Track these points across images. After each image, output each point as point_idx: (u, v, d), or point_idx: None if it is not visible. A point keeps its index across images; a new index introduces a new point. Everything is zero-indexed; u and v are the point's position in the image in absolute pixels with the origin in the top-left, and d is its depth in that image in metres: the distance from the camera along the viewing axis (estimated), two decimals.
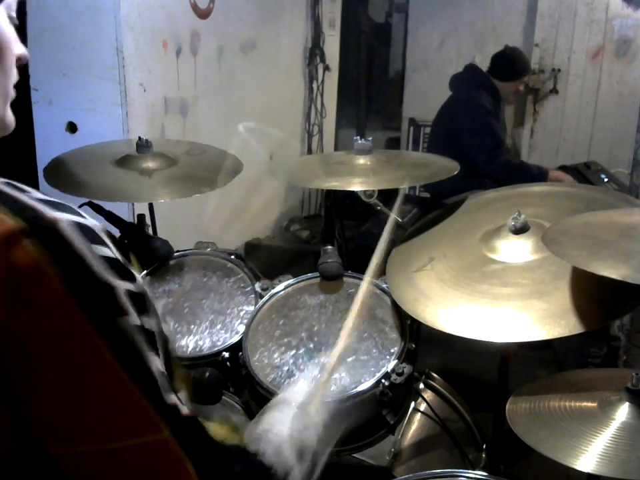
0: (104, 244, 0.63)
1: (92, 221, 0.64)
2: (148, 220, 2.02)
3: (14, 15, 0.75)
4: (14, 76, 0.75)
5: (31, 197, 0.63)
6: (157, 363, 0.65)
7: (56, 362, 0.60)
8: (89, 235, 0.62)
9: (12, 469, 0.64)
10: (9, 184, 0.65)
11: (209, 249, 1.91)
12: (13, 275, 0.58)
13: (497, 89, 3.47)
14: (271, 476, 0.79)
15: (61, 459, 0.62)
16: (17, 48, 0.74)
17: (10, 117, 0.75)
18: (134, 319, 0.63)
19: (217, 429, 0.76)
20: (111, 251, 0.63)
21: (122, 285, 0.62)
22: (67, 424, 0.61)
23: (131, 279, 0.64)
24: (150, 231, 2.03)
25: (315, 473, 0.88)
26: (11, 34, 0.73)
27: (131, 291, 0.63)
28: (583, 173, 3.45)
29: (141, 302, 0.64)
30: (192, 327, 1.64)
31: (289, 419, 0.91)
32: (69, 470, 0.62)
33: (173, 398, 0.67)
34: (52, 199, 0.64)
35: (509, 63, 3.50)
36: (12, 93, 0.75)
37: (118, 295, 0.62)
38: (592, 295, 1.23)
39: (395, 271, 1.51)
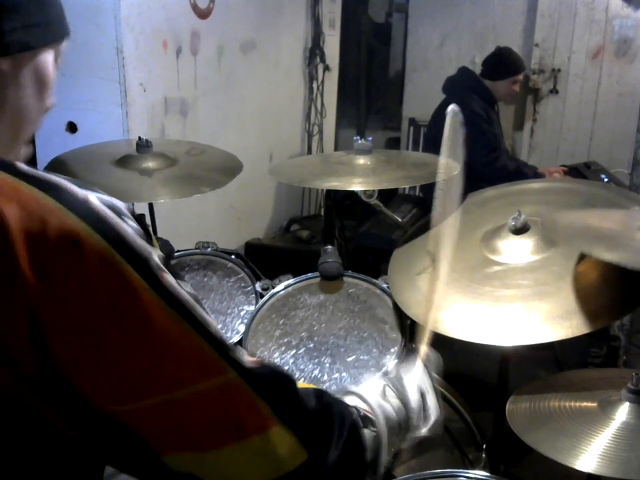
0: (129, 218, 0.66)
1: (116, 199, 0.67)
2: (148, 220, 2.02)
3: (60, 61, 0.78)
4: (40, 116, 0.78)
5: (57, 175, 0.66)
6: (207, 317, 0.67)
7: (112, 322, 0.61)
8: (116, 210, 0.65)
9: (70, 443, 0.64)
10: (29, 168, 0.67)
11: (209, 249, 1.91)
12: (52, 244, 0.59)
13: (490, 91, 3.47)
14: (347, 415, 0.77)
15: (128, 417, 0.62)
16: (50, 96, 0.78)
17: (26, 151, 0.78)
18: (172, 278, 0.65)
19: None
20: (136, 225, 0.66)
21: (153, 251, 0.65)
22: (132, 379, 0.62)
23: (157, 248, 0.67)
24: (150, 231, 2.03)
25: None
26: (53, 78, 0.76)
27: (162, 257, 0.66)
28: (582, 173, 3.45)
29: (172, 269, 0.67)
30: None
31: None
32: (139, 427, 0.63)
33: (233, 349, 0.68)
34: (75, 179, 0.66)
35: (498, 61, 3.52)
36: (30, 131, 0.77)
37: (154, 258, 0.65)
38: (593, 295, 1.23)
39: (397, 274, 1.50)
